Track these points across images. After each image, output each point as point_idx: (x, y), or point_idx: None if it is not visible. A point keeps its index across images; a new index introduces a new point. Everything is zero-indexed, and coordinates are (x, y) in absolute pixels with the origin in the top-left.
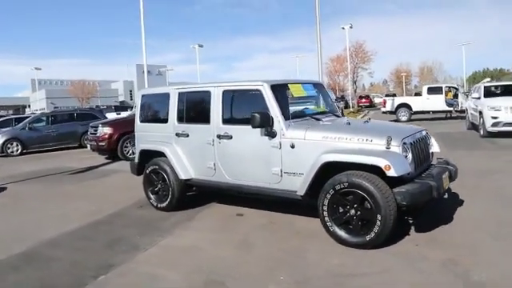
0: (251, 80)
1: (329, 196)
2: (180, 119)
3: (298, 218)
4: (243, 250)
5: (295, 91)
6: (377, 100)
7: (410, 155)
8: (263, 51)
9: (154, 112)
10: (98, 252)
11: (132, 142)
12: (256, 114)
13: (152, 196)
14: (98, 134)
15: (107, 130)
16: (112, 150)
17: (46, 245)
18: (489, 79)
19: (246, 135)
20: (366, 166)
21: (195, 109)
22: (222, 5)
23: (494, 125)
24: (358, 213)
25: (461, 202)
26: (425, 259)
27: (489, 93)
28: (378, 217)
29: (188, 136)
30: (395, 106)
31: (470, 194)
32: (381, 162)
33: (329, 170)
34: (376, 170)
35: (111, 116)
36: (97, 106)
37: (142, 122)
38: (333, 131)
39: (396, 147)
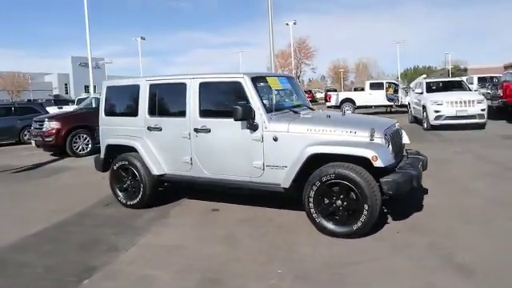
0: (230, 72)
1: (315, 188)
2: (152, 112)
3: (274, 211)
4: (230, 246)
5: (273, 84)
6: (318, 95)
7: (390, 146)
8: (203, 46)
9: (122, 105)
10: (72, 254)
11: (82, 137)
12: (238, 107)
13: (120, 193)
14: (44, 129)
15: (54, 125)
16: (60, 146)
17: (11, 250)
18: (425, 76)
19: (226, 128)
20: (352, 157)
21: (169, 101)
22: None
23: (437, 118)
24: (345, 203)
25: (426, 191)
26: (410, 245)
27: (430, 88)
28: (365, 206)
29: (161, 130)
30: (340, 100)
31: (430, 184)
32: (368, 154)
33: (313, 163)
34: (360, 162)
35: (52, 110)
36: (29, 100)
37: (107, 115)
38: (316, 124)
39: (379, 139)
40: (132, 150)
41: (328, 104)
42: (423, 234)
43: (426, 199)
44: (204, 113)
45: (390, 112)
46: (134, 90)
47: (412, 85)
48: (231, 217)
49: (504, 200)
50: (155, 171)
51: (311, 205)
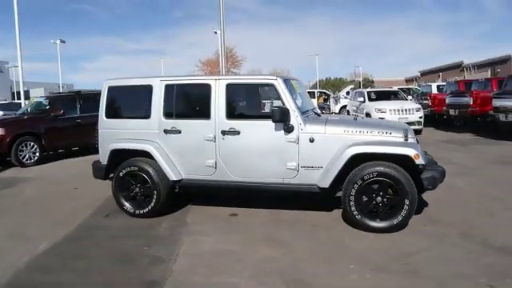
0: (261, 74)
1: (356, 186)
2: (168, 114)
3: (294, 212)
4: (281, 247)
5: (296, 87)
6: None
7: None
8: (114, 52)
9: (129, 106)
10: (117, 270)
11: (29, 144)
12: (277, 109)
13: (126, 202)
14: None
15: None
16: (2, 155)
17: (32, 271)
18: (352, 86)
19: (258, 130)
20: (393, 156)
21: (189, 103)
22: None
23: None
24: (385, 200)
25: None
26: (445, 235)
27: (371, 97)
28: (406, 201)
29: (180, 132)
30: None
31: None
32: (411, 152)
33: (349, 162)
34: (397, 160)
35: None
36: None
37: (109, 117)
38: (352, 125)
39: (411, 139)
40: (142, 154)
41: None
42: (448, 225)
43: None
44: (232, 114)
45: None
46: (145, 91)
47: (341, 94)
48: (255, 220)
49: (489, 194)
50: (172, 177)
51: (352, 203)
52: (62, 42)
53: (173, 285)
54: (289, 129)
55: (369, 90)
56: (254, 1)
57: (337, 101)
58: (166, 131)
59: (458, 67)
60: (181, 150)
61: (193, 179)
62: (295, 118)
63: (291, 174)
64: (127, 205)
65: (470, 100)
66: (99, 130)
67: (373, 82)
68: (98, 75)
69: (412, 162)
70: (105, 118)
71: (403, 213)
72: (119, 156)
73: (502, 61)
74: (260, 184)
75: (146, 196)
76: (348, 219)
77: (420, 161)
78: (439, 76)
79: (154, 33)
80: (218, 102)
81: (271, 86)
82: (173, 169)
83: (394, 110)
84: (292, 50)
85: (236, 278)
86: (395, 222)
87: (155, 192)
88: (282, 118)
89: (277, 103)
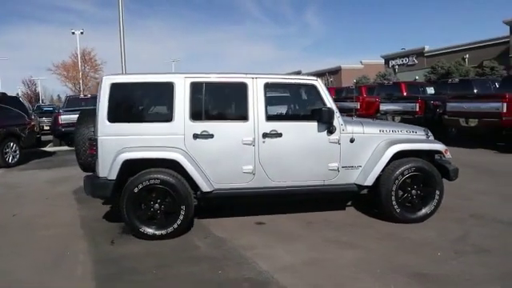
0: (301, 75)
1: (397, 182)
2: (196, 116)
3: (316, 214)
4: (356, 248)
5: None
6: None
7: None
8: None
9: (142, 107)
10: None
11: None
12: (326, 109)
13: (142, 223)
14: None
15: None
16: None
17: None
18: None
19: (301, 132)
20: (426, 151)
21: (222, 103)
22: None
23: None
24: (419, 192)
25: None
26: (461, 219)
27: None
28: (437, 192)
29: (213, 137)
30: None
31: None
32: (443, 148)
33: None
34: (424, 155)
35: None
36: None
37: (113, 121)
38: (384, 126)
39: (431, 136)
40: (159, 164)
41: None
42: (454, 210)
43: None
44: (272, 116)
45: None
46: (164, 89)
47: None
48: (289, 226)
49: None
50: (205, 187)
51: (393, 198)
52: None
53: None
54: (332, 130)
55: None
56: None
57: None
58: (195, 136)
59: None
60: (213, 156)
61: (226, 189)
62: (337, 119)
63: (332, 175)
64: (144, 226)
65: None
66: (98, 138)
67: None
68: None
69: (432, 157)
70: (107, 122)
71: (434, 202)
72: (130, 168)
73: (334, 71)
74: (301, 187)
75: (167, 213)
76: (387, 214)
77: (448, 155)
78: None
79: None
80: (257, 102)
81: (312, 86)
82: (204, 179)
83: None
84: (145, 55)
85: (366, 284)
86: (428, 211)
87: (183, 207)
88: (329, 119)
89: (276, 108)
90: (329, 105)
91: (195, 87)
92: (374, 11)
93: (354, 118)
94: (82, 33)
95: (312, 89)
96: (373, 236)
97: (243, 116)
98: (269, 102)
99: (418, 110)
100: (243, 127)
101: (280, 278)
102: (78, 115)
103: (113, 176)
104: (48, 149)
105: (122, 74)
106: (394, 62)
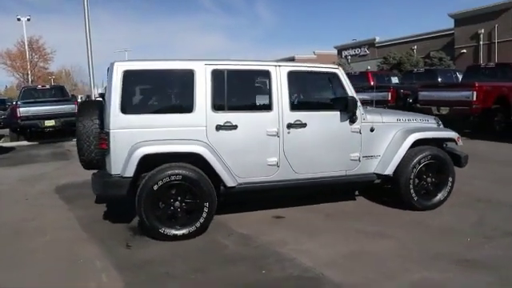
0: (321, 63)
1: (415, 170)
2: (218, 107)
3: (333, 205)
4: (388, 238)
5: None
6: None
7: None
8: None
9: (158, 97)
10: None
11: None
12: (350, 98)
13: (160, 223)
14: None
15: None
16: None
17: None
18: None
19: (324, 121)
20: (439, 139)
21: (244, 92)
22: None
23: None
24: (433, 179)
25: None
26: (470, 204)
27: None
28: (450, 179)
29: (236, 128)
30: None
31: None
32: (455, 135)
33: None
34: (435, 143)
35: None
36: None
37: (126, 112)
38: (400, 115)
39: (442, 124)
40: (181, 158)
41: None
42: (479, 196)
43: None
44: (296, 105)
45: None
46: (183, 77)
47: None
48: (309, 218)
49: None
50: (230, 182)
51: (411, 186)
52: None
53: None
54: (354, 119)
55: None
56: None
57: None
58: (218, 127)
59: None
60: (237, 149)
61: (250, 183)
62: (358, 109)
63: (354, 165)
64: (162, 226)
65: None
66: (111, 131)
67: None
68: None
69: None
70: (120, 113)
71: (447, 189)
72: (145, 164)
73: (288, 61)
74: (323, 179)
75: (188, 212)
76: (406, 202)
77: (460, 142)
78: None
79: None
80: (281, 91)
81: (334, 74)
82: (228, 173)
83: None
84: (95, 44)
85: (418, 273)
86: (442, 198)
87: (206, 204)
88: (354, 109)
89: (299, 97)
90: (350, 93)
91: (216, 75)
92: (325, 2)
93: (368, 108)
94: (28, 19)
95: (333, 77)
96: (396, 225)
97: (267, 106)
98: (292, 90)
99: (390, 98)
100: (267, 117)
101: (330, 275)
102: (78, 106)
103: (129, 173)
104: (3, 144)
105: (140, 60)
106: (346, 53)
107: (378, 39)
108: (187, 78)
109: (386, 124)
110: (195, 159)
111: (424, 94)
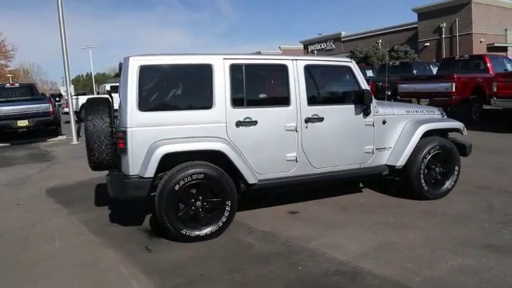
0: (335, 57)
1: (425, 161)
2: (237, 102)
3: (345, 198)
4: (412, 228)
5: None
6: None
7: None
8: None
9: (176, 93)
10: None
11: None
12: (367, 92)
13: (180, 225)
14: None
15: None
16: None
17: None
18: None
19: (340, 115)
20: (445, 130)
21: (262, 87)
22: None
23: None
24: (441, 169)
25: None
26: (473, 192)
27: None
28: (456, 168)
29: (256, 124)
30: (79, 106)
31: None
32: (461, 126)
33: None
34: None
35: None
36: None
37: (144, 110)
38: (408, 107)
39: (445, 115)
40: (201, 156)
41: (65, 110)
42: (478, 184)
43: None
44: (313, 100)
45: None
46: (201, 72)
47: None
48: (327, 212)
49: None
50: (252, 179)
51: (422, 176)
52: None
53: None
54: (367, 112)
55: None
56: None
57: None
58: (238, 123)
59: None
60: (257, 145)
61: (269, 179)
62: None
63: (367, 158)
64: (186, 228)
65: None
66: (128, 129)
67: None
68: None
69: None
70: (138, 110)
71: (454, 177)
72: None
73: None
74: (339, 172)
75: (209, 211)
76: (417, 192)
77: (465, 132)
78: None
79: None
80: (298, 85)
81: (347, 68)
82: (249, 170)
83: None
84: (57, 41)
85: (453, 260)
86: (450, 187)
87: (228, 203)
88: (369, 102)
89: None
90: (363, 87)
91: (235, 70)
92: None
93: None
94: None
95: (347, 71)
96: (413, 215)
97: (285, 100)
98: (308, 85)
99: None
100: (286, 112)
101: (367, 267)
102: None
103: (149, 173)
104: None
105: (156, 55)
106: (312, 47)
107: (343, 33)
108: (205, 73)
109: (397, 116)
110: (214, 157)
111: (404, 87)
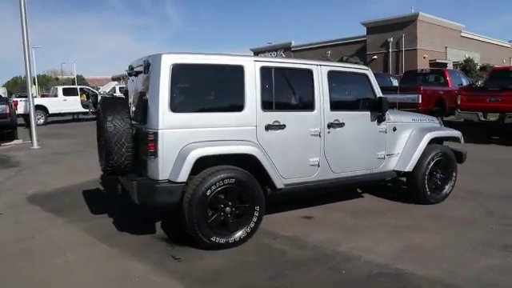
0: (353, 64)
1: (429, 167)
2: (267, 106)
3: (353, 202)
4: (430, 232)
5: None
6: None
7: None
8: None
9: (209, 95)
10: None
11: None
12: (385, 99)
13: (210, 232)
14: None
15: None
16: None
17: None
18: (116, 83)
19: (358, 121)
20: (446, 138)
21: (290, 91)
22: None
23: None
24: (441, 175)
25: None
26: (466, 197)
27: None
28: (454, 174)
29: (284, 128)
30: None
31: None
32: (459, 135)
33: None
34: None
35: None
36: None
37: (176, 111)
38: (413, 115)
39: (442, 124)
40: (230, 160)
41: (18, 112)
42: (468, 190)
43: None
44: (335, 105)
45: (85, 119)
46: (233, 73)
47: (106, 91)
48: (340, 216)
49: None
50: (279, 184)
51: (426, 181)
52: None
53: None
54: (382, 119)
55: None
56: None
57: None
58: (267, 127)
59: None
60: (284, 149)
61: (294, 183)
62: None
63: (379, 163)
64: (215, 235)
65: None
66: (159, 131)
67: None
68: None
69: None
70: (169, 111)
71: (452, 183)
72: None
73: None
74: (354, 177)
75: (237, 216)
76: (420, 197)
77: (462, 140)
78: None
79: None
80: (322, 90)
81: (364, 75)
82: (278, 174)
83: None
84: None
85: (484, 260)
86: (448, 191)
87: (257, 208)
88: (386, 109)
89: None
90: (378, 94)
91: (265, 72)
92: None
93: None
94: None
95: (364, 78)
96: (421, 218)
97: (310, 105)
98: (331, 90)
99: None
100: (310, 117)
101: (408, 268)
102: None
103: (182, 178)
104: None
105: (189, 53)
106: (262, 56)
107: (293, 43)
108: (237, 74)
109: (405, 123)
110: (242, 161)
111: None
